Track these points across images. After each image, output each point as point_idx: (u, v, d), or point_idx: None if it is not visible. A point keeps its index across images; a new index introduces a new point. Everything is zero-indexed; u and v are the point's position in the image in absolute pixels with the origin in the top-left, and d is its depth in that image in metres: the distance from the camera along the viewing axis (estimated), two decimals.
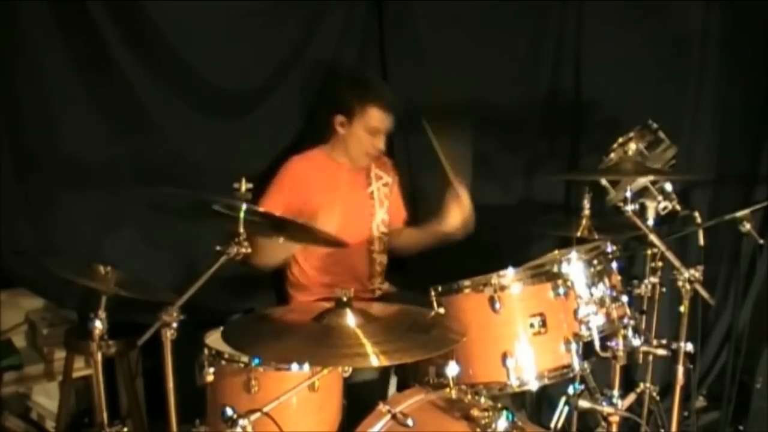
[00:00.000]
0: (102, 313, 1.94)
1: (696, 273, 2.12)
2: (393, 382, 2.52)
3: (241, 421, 1.60)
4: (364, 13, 2.87)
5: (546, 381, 1.95)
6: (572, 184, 2.96)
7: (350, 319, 1.64)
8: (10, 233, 2.29)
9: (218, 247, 1.83)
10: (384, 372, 2.41)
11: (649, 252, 2.54)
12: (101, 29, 2.28)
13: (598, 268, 2.15)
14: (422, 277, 2.68)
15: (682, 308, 2.19)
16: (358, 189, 2.64)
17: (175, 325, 1.84)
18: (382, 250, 2.68)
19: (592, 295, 2.10)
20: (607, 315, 2.13)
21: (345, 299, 1.67)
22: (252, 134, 2.65)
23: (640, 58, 2.92)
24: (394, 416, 1.81)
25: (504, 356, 1.92)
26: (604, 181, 2.43)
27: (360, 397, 2.04)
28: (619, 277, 2.27)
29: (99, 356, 1.98)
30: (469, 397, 1.90)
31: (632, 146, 2.25)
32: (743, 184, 3.03)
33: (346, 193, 2.57)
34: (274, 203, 2.39)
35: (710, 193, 3.06)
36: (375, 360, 1.52)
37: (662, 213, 2.44)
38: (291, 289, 2.63)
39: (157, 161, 2.49)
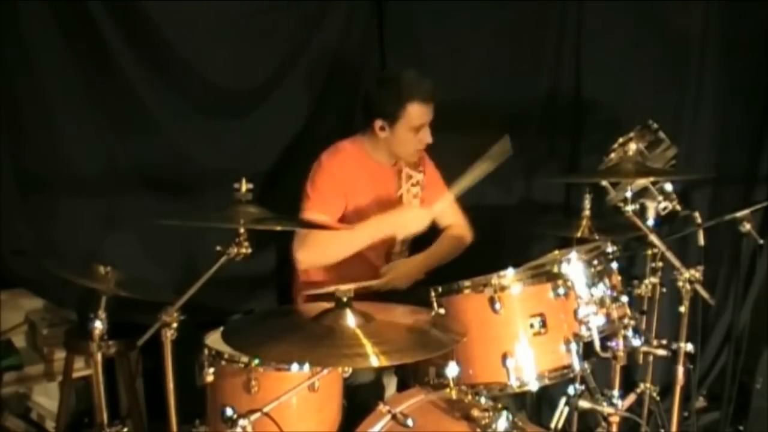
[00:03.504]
0: (102, 314, 1.94)
1: (696, 273, 2.11)
2: (393, 382, 2.52)
3: (241, 422, 1.61)
4: (364, 13, 2.87)
5: (546, 381, 1.95)
6: (572, 184, 2.96)
7: (350, 320, 1.64)
8: (10, 233, 2.29)
9: (218, 247, 1.83)
10: (381, 373, 2.40)
11: (649, 252, 2.54)
12: (102, 29, 2.28)
13: (599, 268, 2.15)
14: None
15: (682, 308, 2.19)
16: (388, 192, 2.50)
17: (175, 325, 1.84)
18: (401, 251, 2.56)
19: (592, 295, 2.10)
20: (608, 315, 2.13)
21: (345, 299, 1.67)
22: (253, 134, 2.65)
23: (640, 58, 2.92)
24: (394, 416, 1.81)
25: (504, 357, 1.91)
26: (604, 182, 2.43)
27: (359, 398, 2.04)
28: (619, 278, 2.27)
29: (99, 356, 1.98)
30: (470, 397, 1.90)
31: (632, 146, 2.25)
32: (743, 184, 3.02)
33: (378, 194, 2.45)
34: (320, 207, 2.29)
35: (710, 193, 3.05)
36: (375, 360, 1.52)
37: (662, 213, 2.44)
38: (296, 288, 2.56)
39: (158, 161, 2.49)
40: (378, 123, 2.36)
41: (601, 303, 2.11)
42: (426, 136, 2.38)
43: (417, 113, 2.32)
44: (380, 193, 2.45)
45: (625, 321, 2.17)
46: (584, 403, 2.02)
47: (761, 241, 2.46)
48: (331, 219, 2.32)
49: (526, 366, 1.92)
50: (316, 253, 2.26)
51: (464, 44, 2.90)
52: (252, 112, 2.66)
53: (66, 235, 2.39)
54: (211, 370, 1.87)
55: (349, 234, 2.26)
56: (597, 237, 2.43)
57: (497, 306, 1.92)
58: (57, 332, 2.65)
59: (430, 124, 2.38)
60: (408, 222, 2.31)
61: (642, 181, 2.36)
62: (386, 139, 2.39)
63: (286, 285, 2.66)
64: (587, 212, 2.50)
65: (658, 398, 2.61)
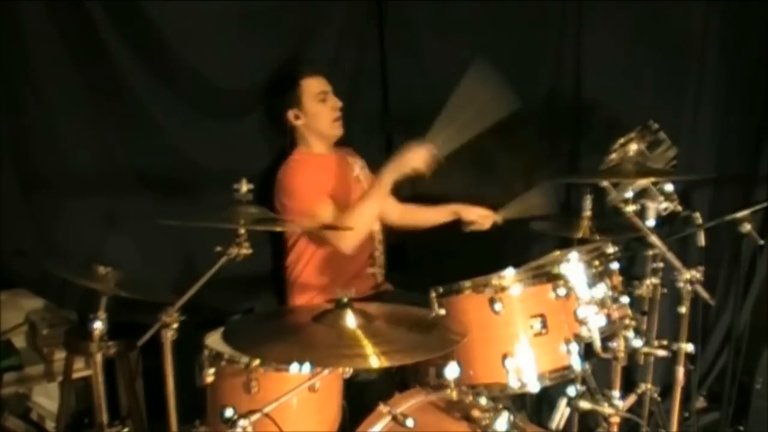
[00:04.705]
0: (102, 314, 1.94)
1: (696, 274, 2.12)
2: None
3: (241, 422, 1.60)
4: (364, 13, 2.87)
5: (547, 382, 1.95)
6: (573, 184, 2.96)
7: (350, 320, 1.63)
8: (10, 233, 2.29)
9: (218, 248, 1.83)
10: (388, 372, 2.40)
11: (649, 253, 2.54)
12: (100, 30, 2.28)
13: (599, 268, 2.15)
14: (422, 277, 2.68)
15: (682, 309, 2.19)
16: (346, 176, 2.65)
17: (175, 325, 1.84)
18: (379, 229, 2.71)
19: (592, 296, 2.10)
20: (608, 316, 2.13)
21: (345, 300, 1.67)
22: (252, 134, 2.65)
23: (641, 58, 2.92)
24: (394, 417, 1.81)
25: (504, 357, 1.91)
26: (605, 182, 2.43)
27: (363, 397, 2.04)
28: (619, 278, 2.27)
29: (99, 357, 1.98)
30: (470, 398, 1.90)
31: (633, 147, 2.25)
32: (743, 185, 3.02)
33: (340, 181, 2.59)
34: (321, 198, 2.43)
35: (710, 193, 3.05)
36: (375, 360, 1.52)
37: (663, 214, 2.43)
38: (291, 291, 2.61)
39: (158, 161, 2.49)
40: (291, 114, 2.57)
41: (601, 303, 2.11)
42: (335, 102, 2.59)
43: (312, 83, 2.56)
44: (341, 179, 2.61)
45: (626, 321, 2.16)
46: (585, 404, 2.01)
47: (761, 242, 2.46)
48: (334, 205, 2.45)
49: (527, 367, 1.92)
50: (354, 236, 2.33)
51: (464, 44, 2.89)
52: (252, 112, 2.66)
53: (66, 235, 2.39)
54: (212, 370, 1.87)
55: (367, 202, 2.36)
56: (597, 237, 2.43)
57: (497, 306, 1.91)
58: (57, 332, 2.65)
59: (334, 93, 2.59)
60: (411, 158, 2.31)
61: (642, 182, 2.35)
62: (307, 125, 2.58)
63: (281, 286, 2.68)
64: (588, 212, 2.50)
65: (658, 399, 2.61)
